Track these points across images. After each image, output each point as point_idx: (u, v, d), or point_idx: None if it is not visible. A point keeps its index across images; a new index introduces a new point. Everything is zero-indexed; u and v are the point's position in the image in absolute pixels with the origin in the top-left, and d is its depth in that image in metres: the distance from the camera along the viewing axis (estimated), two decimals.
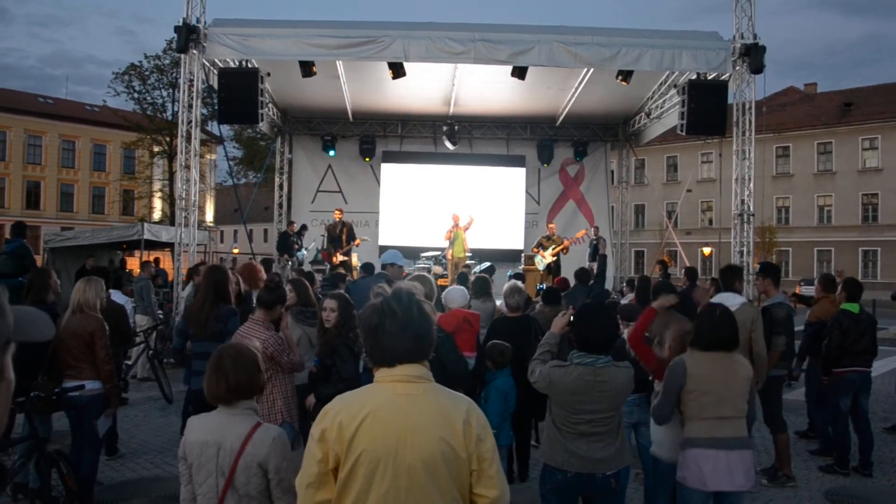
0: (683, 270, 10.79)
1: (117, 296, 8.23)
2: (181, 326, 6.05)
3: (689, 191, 42.03)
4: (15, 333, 1.12)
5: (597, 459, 3.78)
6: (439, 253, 16.50)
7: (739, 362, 4.24)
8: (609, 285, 15.67)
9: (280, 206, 21.03)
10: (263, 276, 7.12)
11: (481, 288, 8.20)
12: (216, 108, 14.34)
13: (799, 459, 7.30)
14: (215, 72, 13.63)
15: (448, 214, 16.38)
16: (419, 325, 2.28)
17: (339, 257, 15.67)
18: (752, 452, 4.27)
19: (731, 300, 6.20)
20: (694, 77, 13.39)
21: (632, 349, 4.92)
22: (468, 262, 16.33)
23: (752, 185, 13.44)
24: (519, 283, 6.87)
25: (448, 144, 19.02)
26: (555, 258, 15.73)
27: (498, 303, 7.69)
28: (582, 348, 3.85)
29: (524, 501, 5.68)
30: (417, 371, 2.26)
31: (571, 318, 4.14)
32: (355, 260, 16.51)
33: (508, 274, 13.18)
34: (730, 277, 6.89)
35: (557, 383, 3.83)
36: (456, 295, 6.35)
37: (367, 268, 10.08)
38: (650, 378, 4.95)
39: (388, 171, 20.24)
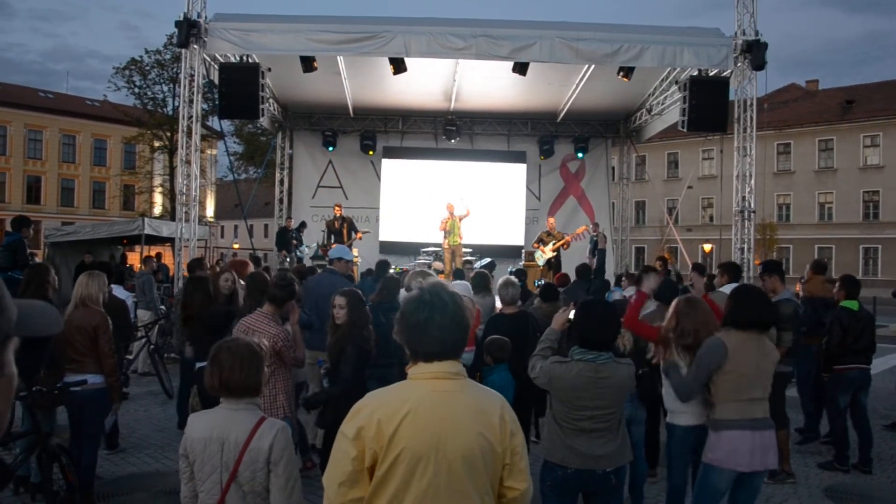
0: (691, 266, 10.77)
1: (118, 291, 8.23)
2: None
3: (689, 187, 41.92)
4: (17, 328, 1.11)
5: (597, 456, 3.78)
6: (439, 249, 16.49)
7: (769, 344, 4.31)
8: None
9: (280, 201, 21.04)
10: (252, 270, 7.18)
11: (480, 283, 8.20)
12: (217, 103, 14.34)
13: (798, 456, 7.32)
14: (216, 67, 13.63)
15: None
16: (465, 321, 2.32)
17: None
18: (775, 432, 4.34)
19: None
20: (695, 73, 13.37)
21: (630, 331, 4.97)
22: (468, 257, 16.33)
23: (753, 181, 13.43)
24: (512, 276, 6.85)
25: (448, 140, 19.02)
26: (555, 254, 15.74)
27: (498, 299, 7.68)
28: (583, 344, 3.85)
29: None
30: (454, 367, 2.28)
31: (572, 314, 4.15)
32: (355, 254, 16.49)
33: (509, 270, 13.18)
34: (738, 272, 6.96)
35: (558, 379, 3.83)
36: (459, 290, 6.31)
37: (382, 266, 10.20)
38: (650, 357, 4.97)
39: (389, 166, 20.24)
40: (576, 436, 3.80)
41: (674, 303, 4.70)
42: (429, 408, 2.19)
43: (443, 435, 2.17)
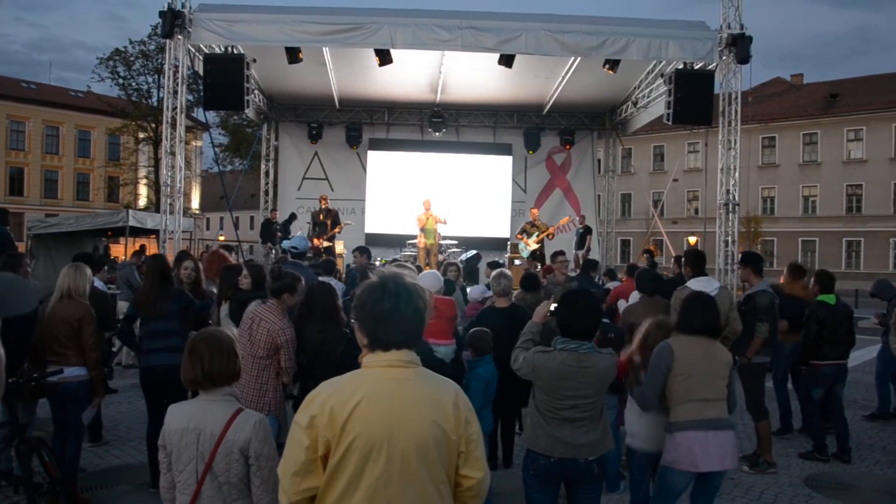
0: (674, 259, 10.86)
1: (97, 283, 8.17)
2: (131, 311, 6.33)
3: (675, 180, 42.19)
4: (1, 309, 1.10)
5: (579, 445, 3.82)
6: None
7: (719, 348, 4.39)
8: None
9: (266, 193, 20.95)
10: (231, 262, 7.19)
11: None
12: (202, 94, 14.24)
13: (779, 446, 7.39)
14: (201, 57, 13.54)
15: (434, 202, 16.28)
16: (424, 311, 2.32)
17: (324, 243, 15.59)
18: (735, 433, 4.40)
19: (709, 285, 6.32)
20: (681, 67, 13.41)
21: None
22: (454, 248, 16.33)
23: (737, 175, 13.52)
24: (505, 269, 6.85)
25: (434, 132, 19.00)
26: (539, 245, 15.77)
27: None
28: (565, 334, 3.88)
29: (508, 487, 5.71)
30: (408, 356, 2.27)
31: (553, 307, 4.18)
32: (340, 247, 16.45)
33: (487, 263, 13.17)
34: (701, 263, 6.98)
35: (541, 368, 3.86)
36: (428, 281, 5.94)
37: (364, 251, 10.23)
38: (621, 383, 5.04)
39: (375, 158, 20.20)
40: (558, 425, 3.83)
41: (645, 326, 4.76)
42: (382, 396, 2.19)
43: (396, 423, 2.16)
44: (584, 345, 3.83)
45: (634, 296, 7.19)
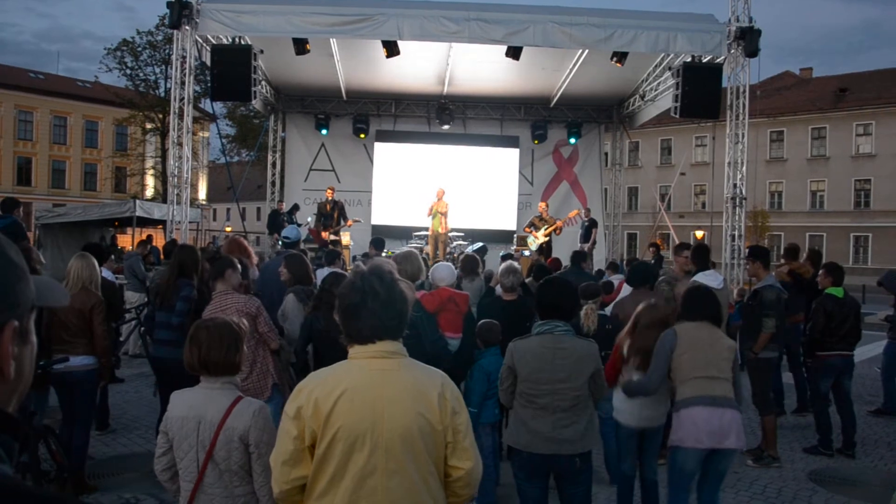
0: (672, 250, 10.86)
1: (104, 272, 8.21)
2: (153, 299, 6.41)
3: (682, 174, 42.00)
4: (37, 299, 1.13)
5: (561, 440, 3.80)
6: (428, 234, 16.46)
7: (721, 334, 4.55)
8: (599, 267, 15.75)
9: (273, 184, 20.97)
10: (250, 250, 7.18)
11: (469, 267, 8.19)
12: (209, 84, 14.24)
13: (784, 441, 7.39)
14: (208, 48, 13.54)
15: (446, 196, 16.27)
16: (399, 304, 2.32)
17: (330, 236, 15.60)
18: (741, 414, 4.46)
19: (713, 280, 6.36)
20: (689, 60, 13.35)
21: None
22: (460, 241, 16.32)
23: (744, 169, 13.48)
24: (515, 263, 6.79)
25: (441, 124, 18.97)
26: (547, 238, 15.76)
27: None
28: (543, 315, 3.97)
29: (511, 478, 5.73)
30: (392, 347, 2.29)
31: None
32: (346, 239, 16.47)
33: (501, 254, 13.14)
34: (706, 257, 6.99)
35: (520, 351, 3.91)
36: (443, 273, 5.97)
37: (378, 243, 10.26)
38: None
39: (382, 150, 20.17)
40: (539, 417, 3.83)
41: (635, 312, 4.95)
42: (365, 387, 2.21)
43: (379, 414, 2.18)
44: (559, 326, 3.88)
45: (626, 289, 7.18)
